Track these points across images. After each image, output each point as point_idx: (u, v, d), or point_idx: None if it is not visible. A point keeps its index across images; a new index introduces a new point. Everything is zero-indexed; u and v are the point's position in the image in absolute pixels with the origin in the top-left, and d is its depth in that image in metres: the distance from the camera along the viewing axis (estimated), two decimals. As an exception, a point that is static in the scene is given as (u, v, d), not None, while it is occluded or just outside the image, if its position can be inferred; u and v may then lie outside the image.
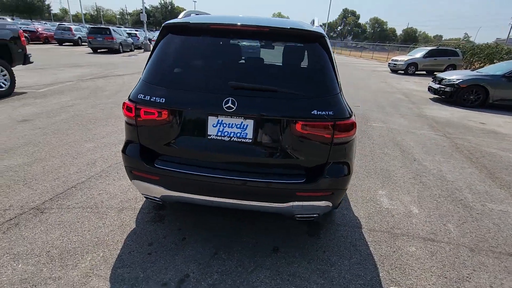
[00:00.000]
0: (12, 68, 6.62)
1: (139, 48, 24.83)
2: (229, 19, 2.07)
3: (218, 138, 1.95)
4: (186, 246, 2.30)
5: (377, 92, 10.66)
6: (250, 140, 1.94)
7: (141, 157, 2.08)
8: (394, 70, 18.76)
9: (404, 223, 2.80)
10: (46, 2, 71.73)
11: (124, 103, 2.07)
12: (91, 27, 21.53)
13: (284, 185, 1.94)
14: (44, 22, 41.12)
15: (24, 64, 7.00)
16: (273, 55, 2.07)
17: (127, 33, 23.37)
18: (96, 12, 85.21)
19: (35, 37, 23.61)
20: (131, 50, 22.37)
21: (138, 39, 24.76)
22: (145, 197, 2.32)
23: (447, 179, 3.83)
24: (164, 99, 1.95)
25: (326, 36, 2.04)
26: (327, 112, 1.86)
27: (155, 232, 2.44)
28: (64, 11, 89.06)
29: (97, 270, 2.02)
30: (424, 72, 18.26)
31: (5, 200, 2.75)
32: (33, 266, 2.02)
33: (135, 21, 73.32)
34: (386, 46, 44.89)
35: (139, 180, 2.14)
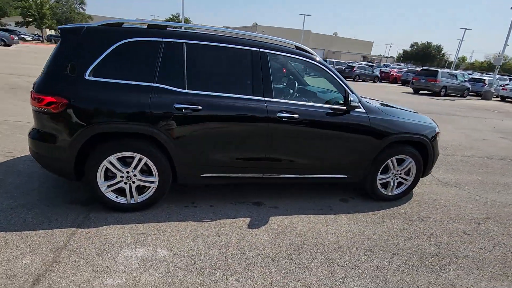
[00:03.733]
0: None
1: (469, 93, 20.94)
2: None
3: None
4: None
5: None
6: None
7: None
8: None
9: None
10: (443, 52, 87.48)
11: None
12: (421, 69, 22.08)
13: None
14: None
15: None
16: None
17: (473, 78, 23.22)
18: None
19: (387, 77, 29.11)
20: (461, 96, 20.33)
21: (484, 86, 21.35)
22: None
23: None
24: None
25: (75, 31, 2.61)
26: (35, 84, 2.62)
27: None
28: (462, 59, 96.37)
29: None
30: None
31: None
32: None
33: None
34: None
35: None
